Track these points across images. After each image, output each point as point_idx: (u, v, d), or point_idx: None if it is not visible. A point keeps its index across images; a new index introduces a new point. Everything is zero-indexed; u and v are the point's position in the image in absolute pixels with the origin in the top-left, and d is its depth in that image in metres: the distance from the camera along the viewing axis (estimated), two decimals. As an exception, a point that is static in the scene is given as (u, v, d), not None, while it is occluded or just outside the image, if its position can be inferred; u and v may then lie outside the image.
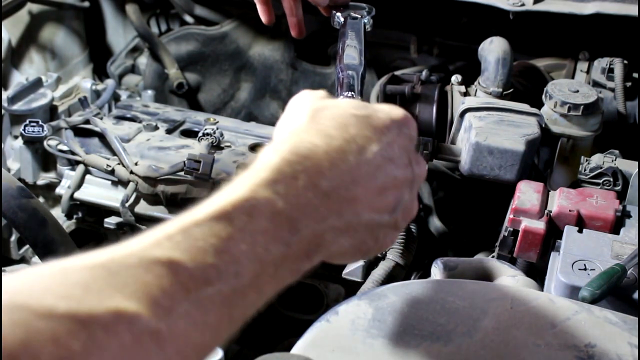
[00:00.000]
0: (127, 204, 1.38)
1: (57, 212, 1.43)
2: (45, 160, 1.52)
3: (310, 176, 0.63)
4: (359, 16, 1.24)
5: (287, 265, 0.61)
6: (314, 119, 0.69)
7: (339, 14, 1.24)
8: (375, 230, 0.69)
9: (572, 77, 1.57)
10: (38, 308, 0.45)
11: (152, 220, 1.40)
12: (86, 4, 1.91)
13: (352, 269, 1.30)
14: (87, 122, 1.49)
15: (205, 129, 1.46)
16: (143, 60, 1.98)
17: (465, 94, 1.41)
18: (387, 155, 0.69)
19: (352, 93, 0.99)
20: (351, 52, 1.11)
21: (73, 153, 1.45)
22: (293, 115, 0.72)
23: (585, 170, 1.17)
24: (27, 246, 1.52)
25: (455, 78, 1.44)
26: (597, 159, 1.19)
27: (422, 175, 0.74)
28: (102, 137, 1.46)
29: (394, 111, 0.73)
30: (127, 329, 0.47)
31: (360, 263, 1.29)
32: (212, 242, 0.55)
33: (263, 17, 1.29)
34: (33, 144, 1.48)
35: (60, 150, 1.45)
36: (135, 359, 0.47)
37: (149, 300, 0.49)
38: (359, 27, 1.21)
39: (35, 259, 1.54)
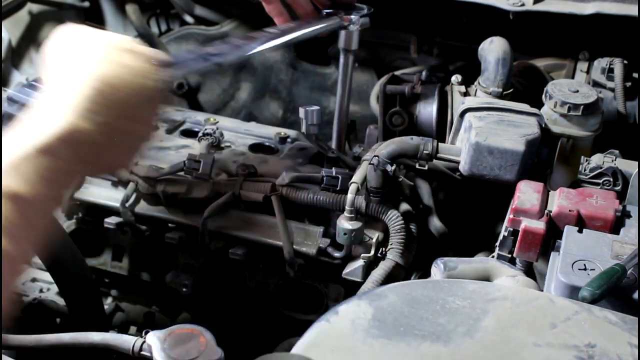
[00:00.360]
0: (127, 204, 1.38)
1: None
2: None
3: (120, 105, 0.74)
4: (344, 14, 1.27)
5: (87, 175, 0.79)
6: (111, 52, 0.77)
7: (326, 10, 1.28)
8: (141, 148, 0.83)
9: (572, 77, 1.57)
10: None
11: (152, 220, 1.40)
12: (86, 4, 1.91)
13: (352, 269, 1.30)
14: (87, 122, 1.49)
15: (205, 129, 1.46)
16: (143, 60, 1.98)
17: (465, 94, 1.41)
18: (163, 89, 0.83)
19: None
20: (282, 26, 1.14)
21: (73, 153, 1.45)
22: (83, 46, 0.78)
23: (585, 170, 1.17)
24: (27, 246, 1.51)
25: (455, 78, 1.43)
26: (597, 159, 1.19)
27: None
28: (102, 137, 1.46)
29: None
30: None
31: (360, 263, 1.29)
32: (43, 174, 0.66)
33: (277, 20, 1.31)
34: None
35: (60, 150, 1.45)
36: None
37: (8, 233, 0.62)
38: (325, 23, 1.26)
39: (35, 258, 1.54)
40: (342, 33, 1.34)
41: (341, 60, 1.38)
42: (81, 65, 0.75)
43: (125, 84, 0.75)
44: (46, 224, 0.69)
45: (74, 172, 0.71)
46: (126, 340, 1.00)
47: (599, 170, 1.16)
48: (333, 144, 1.45)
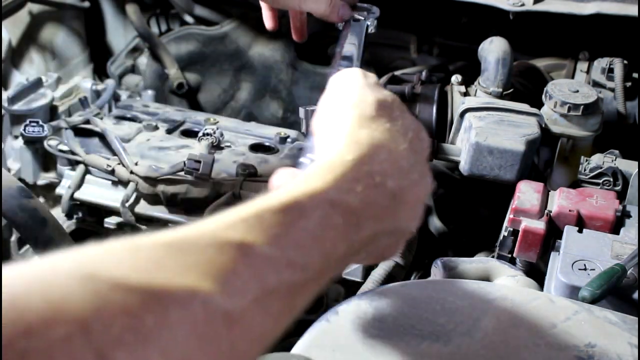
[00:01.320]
0: (127, 204, 1.38)
1: (57, 212, 1.43)
2: (45, 160, 1.52)
3: (382, 176, 0.64)
4: (362, 18, 1.23)
5: (345, 261, 0.61)
6: (382, 114, 0.69)
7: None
8: (403, 235, 0.70)
9: (572, 77, 1.57)
10: (110, 279, 0.44)
11: (152, 220, 1.40)
12: (86, 4, 1.91)
13: (352, 269, 1.30)
14: (87, 122, 1.49)
15: (205, 129, 1.47)
16: (143, 60, 1.98)
17: (465, 94, 1.41)
18: (427, 168, 0.71)
19: None
20: (349, 49, 1.10)
21: (73, 153, 1.45)
22: (357, 100, 0.70)
23: (585, 170, 1.17)
24: (27, 246, 1.51)
25: (455, 78, 1.43)
26: (597, 159, 1.19)
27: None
28: (102, 137, 1.46)
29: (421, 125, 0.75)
30: (201, 307, 0.46)
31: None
32: (285, 231, 0.54)
33: (268, 23, 1.29)
34: (33, 144, 1.48)
35: (60, 150, 1.45)
36: (205, 337, 0.46)
37: (222, 281, 0.48)
38: (360, 29, 1.21)
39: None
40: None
41: None
42: (355, 124, 0.67)
43: (391, 156, 0.65)
44: (289, 299, 0.55)
45: (327, 240, 0.57)
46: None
47: (599, 170, 1.16)
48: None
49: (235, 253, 0.50)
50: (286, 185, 0.59)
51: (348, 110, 0.69)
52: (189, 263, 0.48)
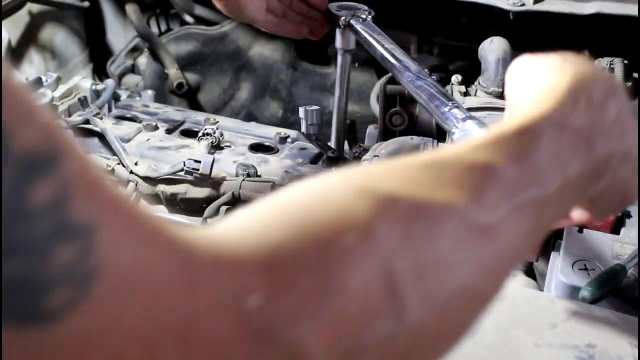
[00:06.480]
0: (127, 204, 1.38)
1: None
2: (45, 160, 1.52)
3: (604, 95, 0.65)
4: (364, 17, 1.27)
5: (582, 182, 0.62)
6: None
7: (341, 15, 1.28)
8: (634, 162, 0.69)
9: (573, 77, 1.56)
10: (380, 192, 0.46)
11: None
12: (86, 4, 1.91)
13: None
14: (87, 122, 1.49)
15: (205, 129, 1.46)
16: (143, 60, 1.98)
17: (466, 94, 1.41)
18: None
19: None
20: None
21: (73, 153, 1.45)
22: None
23: (585, 170, 1.17)
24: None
25: (455, 78, 1.43)
26: (597, 159, 1.18)
27: None
28: (102, 137, 1.46)
29: None
30: (459, 220, 0.49)
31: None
32: (523, 154, 0.56)
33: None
34: (33, 144, 1.48)
35: (60, 150, 1.45)
36: (465, 250, 0.49)
37: (475, 196, 0.50)
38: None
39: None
40: (339, 33, 1.34)
41: (339, 60, 1.38)
42: (561, 66, 0.72)
43: (607, 80, 0.68)
44: (535, 217, 0.55)
45: (560, 158, 0.59)
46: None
47: (599, 170, 1.16)
48: (332, 145, 1.45)
49: (482, 173, 0.53)
50: (514, 112, 0.63)
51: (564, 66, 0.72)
52: (442, 180, 0.50)
